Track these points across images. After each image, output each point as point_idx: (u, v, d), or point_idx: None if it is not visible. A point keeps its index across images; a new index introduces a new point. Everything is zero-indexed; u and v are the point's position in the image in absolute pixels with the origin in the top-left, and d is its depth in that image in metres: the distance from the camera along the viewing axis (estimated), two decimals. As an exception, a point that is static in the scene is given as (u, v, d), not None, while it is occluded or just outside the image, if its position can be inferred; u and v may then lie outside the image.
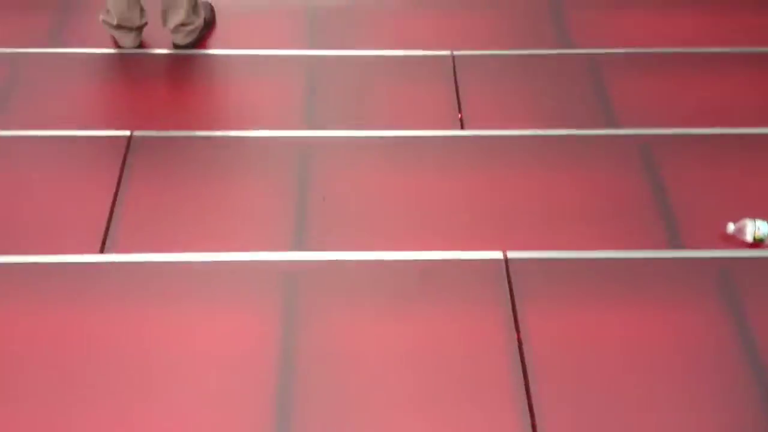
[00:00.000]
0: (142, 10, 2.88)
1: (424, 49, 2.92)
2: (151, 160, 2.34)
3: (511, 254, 2.00)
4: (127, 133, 2.42)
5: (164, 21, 2.89)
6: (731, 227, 2.15)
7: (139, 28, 2.91)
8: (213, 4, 3.17)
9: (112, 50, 2.89)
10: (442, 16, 3.21)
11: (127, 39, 2.90)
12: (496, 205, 2.24)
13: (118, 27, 2.86)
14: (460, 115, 2.63)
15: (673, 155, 2.40)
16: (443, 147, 2.41)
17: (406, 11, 3.23)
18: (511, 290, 1.92)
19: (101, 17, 2.89)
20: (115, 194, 2.23)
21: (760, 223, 2.13)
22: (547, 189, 2.29)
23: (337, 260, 1.98)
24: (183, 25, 2.87)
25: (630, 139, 2.44)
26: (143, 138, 2.41)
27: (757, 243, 2.12)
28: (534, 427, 1.66)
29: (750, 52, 2.94)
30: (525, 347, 1.80)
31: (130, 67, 2.82)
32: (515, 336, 1.82)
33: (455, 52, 2.89)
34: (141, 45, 2.94)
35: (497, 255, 2.00)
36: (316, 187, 2.27)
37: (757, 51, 2.94)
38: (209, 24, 3.07)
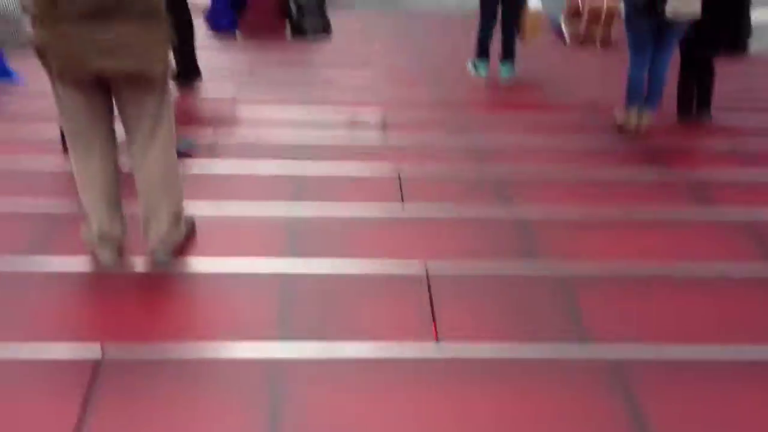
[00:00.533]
0: (123, 224, 2.95)
1: (398, 265, 2.98)
2: (120, 384, 2.30)
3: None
4: (98, 354, 2.40)
5: (145, 232, 2.93)
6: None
7: (119, 244, 2.96)
8: (193, 217, 3.26)
9: (90, 267, 2.91)
10: (417, 231, 3.32)
11: (106, 253, 2.93)
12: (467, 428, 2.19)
13: (99, 240, 2.90)
14: (434, 334, 2.64)
15: (649, 378, 2.39)
16: (416, 368, 2.40)
17: (382, 226, 3.34)
18: None
19: (81, 232, 2.95)
20: (80, 419, 2.17)
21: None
22: (519, 413, 2.25)
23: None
24: (163, 241, 2.92)
25: (603, 360, 2.44)
26: (114, 360, 2.38)
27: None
28: None
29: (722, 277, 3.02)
30: None
31: (106, 284, 2.84)
32: None
33: (430, 268, 2.95)
34: (120, 260, 2.96)
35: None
36: (288, 409, 2.22)
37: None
38: (189, 237, 3.14)
